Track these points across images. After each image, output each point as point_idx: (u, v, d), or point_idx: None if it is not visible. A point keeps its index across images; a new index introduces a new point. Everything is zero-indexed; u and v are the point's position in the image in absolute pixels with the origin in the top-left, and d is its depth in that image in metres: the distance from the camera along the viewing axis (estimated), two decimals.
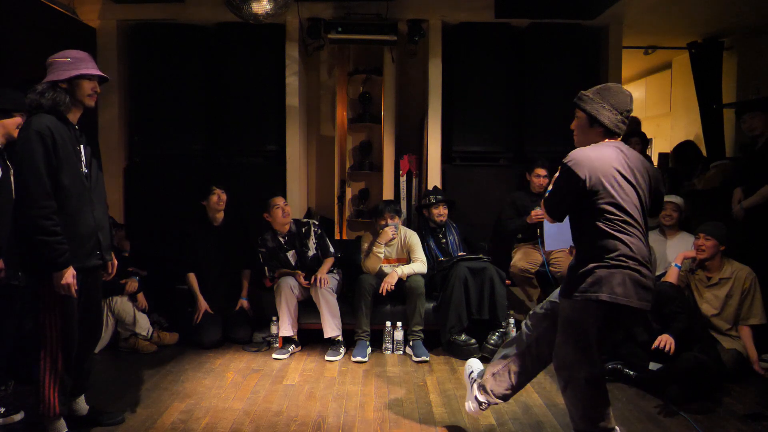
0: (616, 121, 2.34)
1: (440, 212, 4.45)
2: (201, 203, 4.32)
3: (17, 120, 2.87)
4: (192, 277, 4.26)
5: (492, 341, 3.93)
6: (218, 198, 4.25)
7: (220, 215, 4.32)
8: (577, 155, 2.29)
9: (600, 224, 2.26)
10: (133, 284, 4.06)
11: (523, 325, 2.67)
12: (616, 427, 2.41)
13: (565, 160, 2.30)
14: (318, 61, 5.35)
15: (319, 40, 4.98)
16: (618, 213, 2.26)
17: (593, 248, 2.29)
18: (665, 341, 3.24)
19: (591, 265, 2.27)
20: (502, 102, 4.94)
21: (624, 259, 2.25)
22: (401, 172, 5.10)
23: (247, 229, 4.41)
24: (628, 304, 2.25)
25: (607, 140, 2.37)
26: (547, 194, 2.41)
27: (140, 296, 4.11)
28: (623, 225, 2.26)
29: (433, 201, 4.46)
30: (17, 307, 2.99)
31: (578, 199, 2.29)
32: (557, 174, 2.35)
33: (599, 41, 5.07)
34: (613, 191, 2.25)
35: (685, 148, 5.21)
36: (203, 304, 4.18)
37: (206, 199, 4.27)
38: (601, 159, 2.27)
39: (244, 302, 4.32)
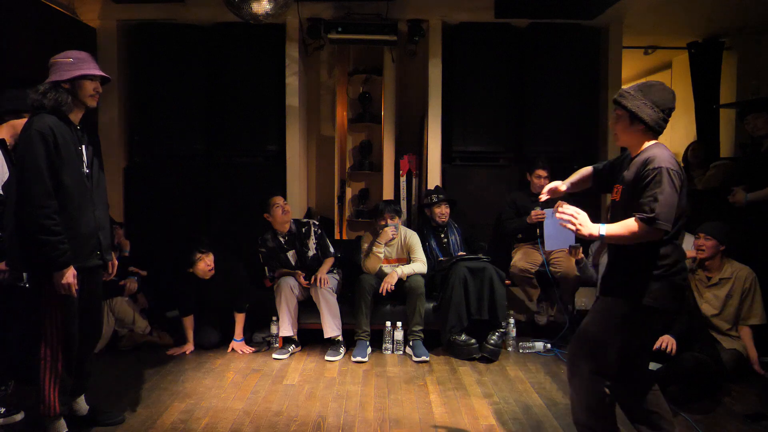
0: (657, 119, 2.29)
1: (442, 211, 4.45)
2: (188, 271, 4.02)
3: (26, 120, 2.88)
4: (188, 321, 4.10)
5: (492, 341, 3.93)
6: (205, 264, 3.98)
7: (210, 275, 4.05)
8: (667, 158, 2.22)
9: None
10: (132, 285, 4.06)
11: None
12: (620, 428, 2.41)
13: (662, 165, 2.18)
14: (318, 61, 5.35)
15: (319, 40, 4.99)
16: (681, 218, 2.28)
17: (645, 253, 2.26)
18: (666, 342, 3.24)
19: (638, 271, 2.27)
20: (502, 102, 4.94)
21: (670, 265, 2.26)
22: (401, 172, 5.10)
23: (238, 274, 4.16)
24: (666, 310, 2.27)
25: (649, 141, 2.33)
26: (655, 204, 2.16)
27: (140, 296, 4.11)
28: (679, 230, 2.28)
29: (434, 200, 4.46)
30: (21, 307, 2.98)
31: None
32: (655, 180, 2.17)
33: (599, 41, 5.08)
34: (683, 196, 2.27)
35: (699, 147, 5.21)
36: (189, 347, 4.06)
37: (193, 268, 3.99)
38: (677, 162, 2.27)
39: (234, 344, 4.09)
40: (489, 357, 3.89)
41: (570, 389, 2.48)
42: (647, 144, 2.33)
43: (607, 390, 2.35)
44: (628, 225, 2.24)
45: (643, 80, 2.42)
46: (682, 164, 2.52)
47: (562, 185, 2.66)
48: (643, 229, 2.21)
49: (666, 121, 2.32)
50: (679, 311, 2.35)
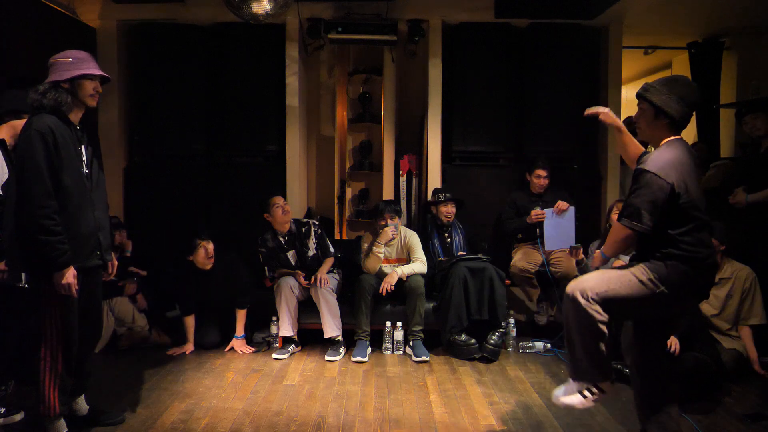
0: (682, 113, 2.28)
1: (449, 211, 4.46)
2: (188, 259, 4.03)
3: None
4: (189, 321, 4.09)
5: (492, 341, 3.93)
6: (205, 251, 3.99)
7: (210, 266, 4.07)
8: (658, 160, 2.22)
9: (675, 227, 2.25)
10: (132, 286, 4.06)
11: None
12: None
13: (645, 167, 2.21)
14: (318, 61, 5.35)
15: (319, 40, 4.99)
16: (695, 214, 2.26)
17: (665, 242, 2.26)
18: (671, 342, 3.24)
19: (659, 255, 2.28)
20: (502, 102, 4.94)
21: (695, 258, 2.25)
22: (401, 172, 5.10)
23: (239, 270, 4.15)
24: (682, 296, 2.30)
25: (672, 136, 2.32)
26: (628, 205, 2.25)
27: (140, 297, 4.11)
28: (698, 227, 2.26)
29: (442, 198, 4.46)
30: (21, 307, 2.98)
31: (664, 205, 2.23)
32: (638, 182, 2.23)
33: (599, 41, 5.08)
34: (693, 194, 2.24)
35: (702, 148, 5.21)
36: (190, 347, 4.06)
37: (193, 255, 4.00)
38: (680, 161, 2.24)
39: (235, 342, 4.09)
40: (489, 357, 3.89)
41: (566, 337, 2.39)
42: (667, 140, 2.32)
43: (600, 325, 2.27)
44: (610, 233, 2.36)
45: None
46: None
47: (609, 114, 2.57)
48: (617, 230, 2.29)
49: (690, 116, 2.30)
50: (693, 304, 2.35)
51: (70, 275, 2.47)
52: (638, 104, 2.38)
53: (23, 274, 2.81)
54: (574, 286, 2.35)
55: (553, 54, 4.92)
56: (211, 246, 4.02)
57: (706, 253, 2.29)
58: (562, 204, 4.30)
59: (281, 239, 4.23)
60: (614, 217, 4.09)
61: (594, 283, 2.30)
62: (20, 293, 2.90)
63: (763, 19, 5.11)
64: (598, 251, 2.44)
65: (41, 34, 4.07)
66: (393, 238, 4.22)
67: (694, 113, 2.36)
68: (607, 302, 2.28)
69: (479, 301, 4.06)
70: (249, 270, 4.22)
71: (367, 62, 5.35)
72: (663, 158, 2.23)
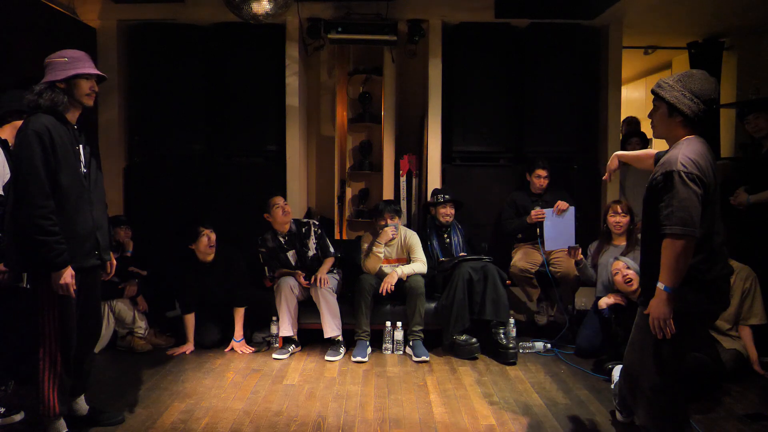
0: (696, 110, 2.19)
1: (447, 212, 4.45)
2: (189, 247, 4.03)
3: None
4: (189, 319, 4.09)
5: (511, 345, 3.87)
6: (208, 239, 3.99)
7: (211, 257, 4.08)
8: (683, 158, 2.12)
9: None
10: (132, 288, 4.05)
11: None
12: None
13: (672, 169, 2.12)
14: (318, 61, 5.35)
15: (319, 40, 4.99)
16: (712, 220, 2.19)
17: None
18: None
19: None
20: (502, 102, 4.94)
21: (697, 266, 2.17)
22: (401, 172, 5.10)
23: (238, 264, 4.16)
24: (706, 313, 2.23)
25: (689, 135, 2.23)
26: (672, 212, 2.11)
27: (140, 299, 4.11)
28: (711, 233, 2.18)
29: (441, 200, 4.45)
30: (21, 308, 2.98)
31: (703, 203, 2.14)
32: (674, 185, 2.11)
33: (599, 41, 5.08)
34: (714, 195, 2.16)
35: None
36: (190, 347, 4.06)
37: (195, 243, 4.00)
38: (703, 155, 2.16)
39: (234, 345, 4.08)
40: (513, 361, 3.84)
41: (635, 412, 2.43)
42: (684, 138, 2.23)
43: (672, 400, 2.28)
44: (662, 257, 2.16)
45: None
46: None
47: (615, 159, 2.64)
48: (669, 247, 2.12)
49: (706, 113, 2.20)
50: (717, 311, 2.31)
51: (68, 275, 2.47)
52: (653, 101, 2.32)
53: (24, 275, 2.81)
54: (629, 380, 2.32)
55: (553, 54, 4.92)
56: (213, 235, 4.04)
57: (704, 258, 2.19)
58: (562, 204, 4.30)
59: (281, 239, 4.23)
60: (611, 219, 4.05)
61: (650, 376, 2.25)
62: (20, 293, 2.90)
63: (763, 19, 5.11)
64: (663, 294, 2.17)
65: (41, 34, 4.06)
66: (393, 238, 4.22)
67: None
68: (673, 375, 2.25)
69: (482, 301, 4.05)
70: (247, 264, 4.22)
71: (367, 62, 5.35)
72: (686, 154, 2.14)
